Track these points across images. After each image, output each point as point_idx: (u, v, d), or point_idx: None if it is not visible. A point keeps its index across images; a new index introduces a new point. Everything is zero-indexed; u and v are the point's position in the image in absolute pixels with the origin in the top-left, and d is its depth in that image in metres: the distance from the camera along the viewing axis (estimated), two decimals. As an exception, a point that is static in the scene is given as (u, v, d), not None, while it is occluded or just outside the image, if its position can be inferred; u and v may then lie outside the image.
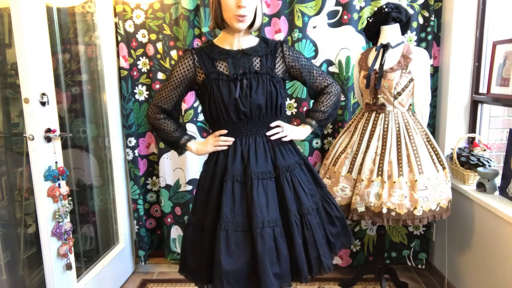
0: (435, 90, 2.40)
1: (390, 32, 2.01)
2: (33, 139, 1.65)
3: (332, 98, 1.67)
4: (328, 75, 1.69)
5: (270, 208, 1.46)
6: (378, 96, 2.00)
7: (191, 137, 1.68)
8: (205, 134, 2.48)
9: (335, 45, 2.36)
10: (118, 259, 2.49)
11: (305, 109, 2.40)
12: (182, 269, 1.64)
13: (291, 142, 1.63)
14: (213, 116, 1.54)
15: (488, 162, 2.09)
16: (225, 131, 1.55)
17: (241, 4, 1.41)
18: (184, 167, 2.51)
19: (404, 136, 1.96)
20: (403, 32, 2.07)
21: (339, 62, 2.36)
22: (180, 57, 1.57)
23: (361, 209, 1.94)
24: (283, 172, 1.52)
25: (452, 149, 2.23)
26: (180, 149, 1.67)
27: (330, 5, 2.32)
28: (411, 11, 2.26)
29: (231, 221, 1.45)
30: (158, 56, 2.42)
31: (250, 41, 1.56)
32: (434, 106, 2.41)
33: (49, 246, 1.74)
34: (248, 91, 1.48)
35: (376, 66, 2.01)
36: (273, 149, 1.55)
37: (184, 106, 2.41)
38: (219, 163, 1.55)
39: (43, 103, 1.69)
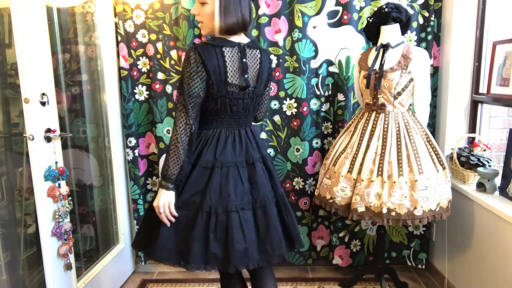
0: (435, 90, 2.40)
1: (390, 32, 2.01)
2: (33, 139, 1.65)
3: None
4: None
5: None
6: (378, 96, 2.00)
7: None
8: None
9: (335, 45, 2.36)
10: (118, 259, 2.49)
11: (305, 109, 2.40)
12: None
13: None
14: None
15: (488, 162, 2.09)
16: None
17: (192, 12, 1.55)
18: (184, 167, 2.51)
19: (404, 136, 1.96)
20: (403, 32, 2.07)
21: (339, 62, 2.36)
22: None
23: (361, 209, 1.94)
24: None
25: (452, 149, 2.23)
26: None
27: (330, 5, 2.32)
28: (411, 11, 2.26)
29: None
30: (158, 56, 2.42)
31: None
32: (434, 106, 2.41)
33: (49, 246, 1.74)
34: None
35: (376, 66, 2.01)
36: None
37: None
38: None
39: (43, 103, 1.69)
